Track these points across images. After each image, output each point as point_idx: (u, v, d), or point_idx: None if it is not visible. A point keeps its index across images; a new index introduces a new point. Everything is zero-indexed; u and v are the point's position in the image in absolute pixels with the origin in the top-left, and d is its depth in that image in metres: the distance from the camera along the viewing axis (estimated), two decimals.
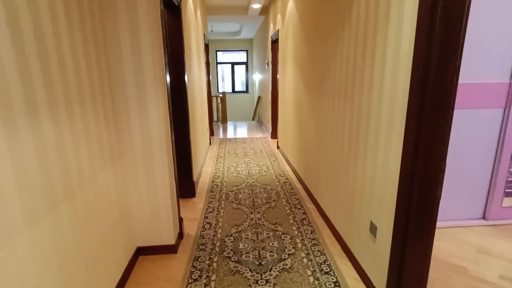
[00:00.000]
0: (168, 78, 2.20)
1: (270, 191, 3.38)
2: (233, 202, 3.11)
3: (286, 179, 3.81)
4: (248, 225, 2.61)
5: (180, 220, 2.43)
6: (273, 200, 3.14)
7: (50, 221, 1.16)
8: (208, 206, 3.01)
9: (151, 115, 1.97)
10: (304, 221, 2.68)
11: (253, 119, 9.78)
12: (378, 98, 1.67)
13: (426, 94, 1.28)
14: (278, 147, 5.43)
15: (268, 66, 6.60)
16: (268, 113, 6.86)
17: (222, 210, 2.92)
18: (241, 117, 11.18)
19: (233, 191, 3.41)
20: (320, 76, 2.77)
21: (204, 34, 5.31)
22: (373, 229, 1.75)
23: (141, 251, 2.15)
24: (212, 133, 6.72)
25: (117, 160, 1.86)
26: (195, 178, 3.45)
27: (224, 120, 8.51)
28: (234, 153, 5.14)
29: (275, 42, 5.73)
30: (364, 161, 1.88)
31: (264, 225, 2.60)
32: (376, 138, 1.70)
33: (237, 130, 7.51)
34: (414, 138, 1.34)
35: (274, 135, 6.22)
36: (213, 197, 3.25)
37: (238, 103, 11.20)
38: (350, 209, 2.12)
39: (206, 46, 6.12)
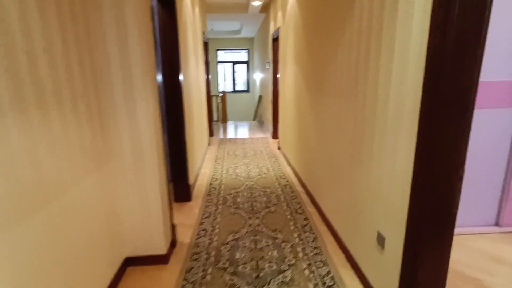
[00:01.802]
0: (159, 77, 2.06)
1: (270, 195, 3.24)
2: (231, 206, 2.97)
3: (286, 181, 3.66)
4: (246, 232, 2.47)
5: (173, 227, 2.29)
6: (273, 204, 2.99)
7: (20, 233, 1.02)
8: (205, 211, 2.87)
9: (140, 116, 1.84)
10: (305, 227, 2.54)
11: (254, 119, 9.64)
12: (385, 97, 1.52)
13: (443, 92, 1.14)
14: (279, 148, 5.28)
15: (268, 65, 6.46)
16: (268, 113, 6.71)
17: (219, 215, 2.78)
18: (242, 116, 11.04)
19: (231, 194, 3.27)
20: (321, 74, 2.62)
21: (203, 32, 5.17)
22: (380, 239, 1.61)
23: (130, 262, 2.01)
24: (211, 133, 6.58)
25: (103, 164, 1.73)
26: (191, 181, 3.31)
27: (224, 120, 8.37)
28: (233, 154, 5.00)
29: (275, 40, 5.58)
30: (368, 166, 1.73)
31: (263, 232, 2.46)
32: (382, 141, 1.56)
33: (237, 130, 7.37)
34: (428, 142, 1.19)
35: (275, 135, 6.07)
36: (210, 201, 3.11)
37: (239, 103, 11.06)
38: (354, 216, 1.97)
39: (206, 45, 5.98)
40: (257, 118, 9.35)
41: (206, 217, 2.75)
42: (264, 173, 3.97)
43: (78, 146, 1.45)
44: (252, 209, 2.90)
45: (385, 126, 1.54)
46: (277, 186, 3.51)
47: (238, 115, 11.03)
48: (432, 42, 1.15)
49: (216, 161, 4.58)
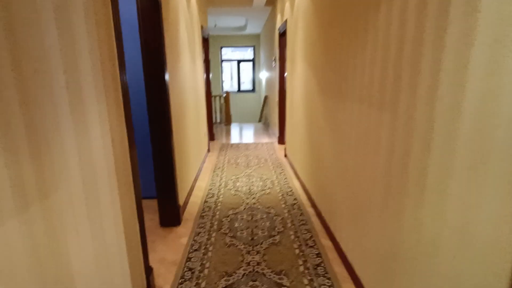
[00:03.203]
0: (123, 77, 1.54)
1: (274, 218, 2.70)
2: (226, 234, 2.44)
3: (294, 199, 3.12)
4: (243, 275, 1.94)
5: (148, 270, 1.78)
6: (278, 232, 2.46)
7: None
8: (194, 241, 2.35)
9: (93, 129, 1.32)
10: (318, 268, 2.00)
11: (259, 121, 9.11)
12: (451, 108, 0.97)
13: None
14: (285, 155, 4.74)
15: (275, 63, 5.91)
16: (275, 115, 6.17)
17: (211, 248, 2.25)
18: (247, 118, 10.51)
19: (228, 216, 2.74)
20: (340, 74, 2.07)
21: (202, 27, 4.65)
22: None
23: None
24: (212, 137, 6.07)
25: (37, 200, 1.22)
26: (181, 201, 2.80)
27: (228, 122, 7.85)
28: (234, 162, 4.48)
29: (282, 35, 5.03)
30: (417, 207, 1.18)
31: (265, 275, 1.93)
32: (443, 175, 1.01)
33: (241, 134, 6.84)
34: None
35: (281, 140, 5.53)
36: (203, 225, 2.59)
37: (243, 103, 10.54)
38: (389, 270, 1.42)
39: (206, 41, 5.47)
40: (262, 120, 8.81)
41: (195, 250, 2.23)
42: (269, 188, 3.43)
43: None
44: (252, 238, 2.37)
45: (451, 154, 0.99)
46: (283, 205, 2.97)
47: (243, 117, 10.50)
48: None
49: (214, 172, 4.06)
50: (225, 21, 8.16)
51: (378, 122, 1.51)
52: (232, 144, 5.71)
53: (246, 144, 5.72)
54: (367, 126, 1.63)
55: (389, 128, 1.39)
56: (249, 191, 3.35)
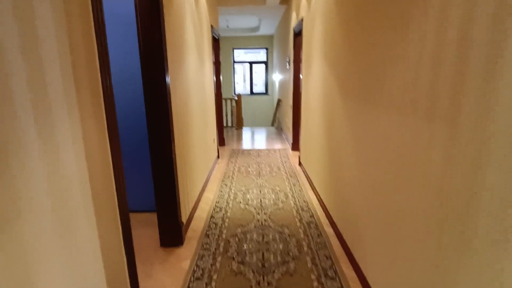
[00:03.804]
0: (107, 80, 1.27)
1: (288, 239, 2.38)
2: (233, 258, 2.14)
3: (310, 216, 2.79)
4: None
5: None
6: (293, 258, 2.14)
7: None
8: (197, 266, 2.06)
9: (65, 147, 1.05)
10: None
11: (272, 125, 8.80)
12: None
13: None
14: (300, 163, 4.41)
15: (289, 64, 5.60)
16: (288, 119, 5.84)
17: (215, 276, 1.96)
18: (259, 122, 10.22)
19: (236, 235, 2.44)
20: (368, 74, 1.74)
21: (212, 27, 4.39)
22: None
23: None
24: (222, 142, 5.80)
25: None
26: (185, 216, 2.52)
27: (239, 126, 7.58)
28: (245, 171, 4.18)
29: (298, 35, 4.71)
30: (496, 255, 0.85)
31: None
32: None
33: (253, 139, 6.54)
34: None
35: (295, 146, 5.20)
36: (207, 247, 2.29)
37: (256, 106, 10.25)
38: None
39: (217, 42, 5.21)
40: (275, 124, 8.49)
41: (197, 279, 1.93)
42: (282, 201, 3.11)
43: None
44: (263, 265, 2.06)
45: None
46: (299, 223, 2.64)
47: (255, 120, 10.22)
48: None
49: (223, 181, 3.77)
50: (237, 21, 7.91)
51: (424, 135, 1.17)
52: (243, 150, 5.41)
53: (258, 150, 5.42)
54: (409, 140, 1.30)
55: (440, 144, 1.06)
56: (260, 205, 3.04)
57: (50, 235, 1.03)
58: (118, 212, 1.35)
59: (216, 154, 4.75)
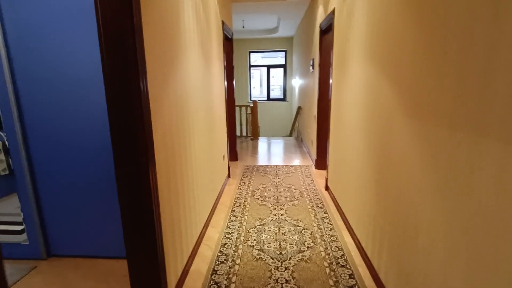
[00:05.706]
0: None
1: None
2: None
3: (350, 274, 2.01)
4: None
5: None
6: None
7: None
8: None
9: None
10: None
11: (290, 135, 8.03)
12: None
13: None
14: (327, 187, 3.62)
15: (313, 67, 4.83)
16: (311, 131, 5.06)
17: None
18: (276, 131, 9.47)
19: None
20: (467, 83, 0.97)
21: (223, 23, 3.71)
22: None
23: None
24: (235, 157, 5.08)
25: None
26: (175, 275, 1.80)
27: (255, 136, 6.85)
28: (260, 196, 3.43)
29: (325, 32, 3.96)
30: None
31: None
32: None
33: (269, 152, 5.78)
34: None
35: (320, 164, 4.41)
36: None
37: (273, 113, 9.51)
38: None
39: (230, 41, 4.53)
40: (294, 133, 7.71)
41: None
42: (307, 247, 2.34)
43: None
44: None
45: None
46: (333, 286, 1.87)
47: (272, 129, 9.47)
48: None
49: (232, 212, 3.04)
50: (254, 22, 7.24)
51: None
52: (259, 167, 4.67)
53: (275, 166, 4.66)
54: None
55: None
56: (279, 251, 2.28)
57: None
58: None
59: (227, 173, 4.03)
